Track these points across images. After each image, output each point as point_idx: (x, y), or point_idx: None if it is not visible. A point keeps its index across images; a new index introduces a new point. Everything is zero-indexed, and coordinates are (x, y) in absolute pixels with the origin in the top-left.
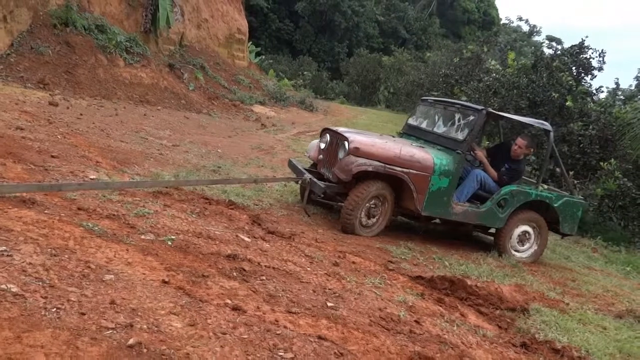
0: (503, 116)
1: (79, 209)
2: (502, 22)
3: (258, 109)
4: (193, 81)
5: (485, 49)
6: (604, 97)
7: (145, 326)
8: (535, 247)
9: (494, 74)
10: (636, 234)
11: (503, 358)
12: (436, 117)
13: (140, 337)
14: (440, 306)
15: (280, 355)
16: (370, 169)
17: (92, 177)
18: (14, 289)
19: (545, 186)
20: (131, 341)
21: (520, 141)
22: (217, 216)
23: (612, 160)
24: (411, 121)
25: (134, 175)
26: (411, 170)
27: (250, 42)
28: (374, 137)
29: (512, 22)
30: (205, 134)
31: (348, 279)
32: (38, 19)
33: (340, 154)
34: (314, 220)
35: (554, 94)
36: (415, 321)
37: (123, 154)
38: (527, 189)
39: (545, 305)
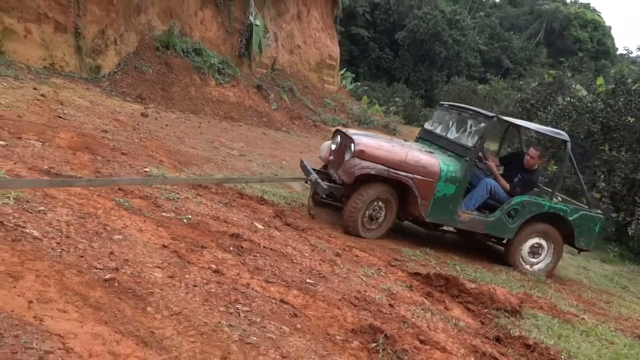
0: (517, 125)
1: (119, 189)
2: (618, 52)
3: None
4: (278, 101)
5: (569, 74)
6: None
7: (129, 272)
8: (547, 261)
9: (568, 98)
10: None
11: (463, 343)
12: (450, 123)
13: (120, 277)
14: (426, 298)
15: (237, 308)
16: (373, 172)
17: (146, 169)
18: (36, 234)
19: (560, 198)
20: (108, 276)
21: (532, 151)
22: (242, 207)
23: None
24: (427, 126)
25: (189, 174)
26: (416, 176)
27: (345, 69)
28: (382, 140)
29: (631, 53)
30: (278, 149)
31: (341, 266)
32: (144, 42)
33: (347, 156)
34: (337, 221)
35: (629, 119)
36: (389, 305)
37: (188, 157)
38: (540, 200)
39: (549, 314)
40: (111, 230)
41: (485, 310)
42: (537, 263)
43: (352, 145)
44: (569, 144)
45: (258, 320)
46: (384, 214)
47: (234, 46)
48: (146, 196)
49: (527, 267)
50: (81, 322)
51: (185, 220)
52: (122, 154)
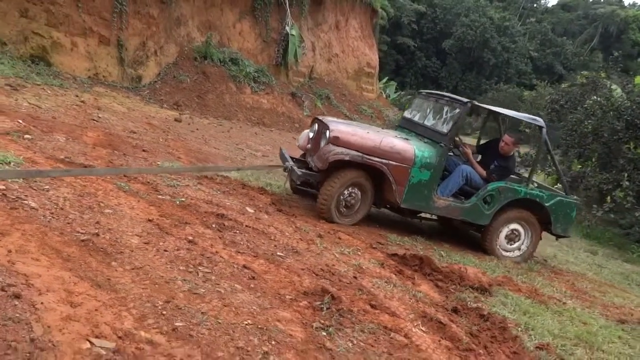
0: (494, 111)
1: (124, 175)
2: None
3: None
4: (312, 108)
5: (603, 75)
6: None
7: (107, 237)
8: (525, 247)
9: (595, 97)
10: None
11: (415, 310)
12: (428, 110)
13: (97, 240)
14: (396, 275)
15: (198, 269)
16: (347, 158)
17: (158, 163)
18: (33, 205)
19: (536, 184)
20: (84, 237)
21: (507, 138)
22: (240, 195)
23: None
24: (406, 114)
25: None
26: (390, 162)
27: (387, 78)
28: (357, 127)
29: None
30: None
31: (319, 245)
32: (183, 53)
33: (322, 143)
34: None
35: None
36: (353, 277)
37: (206, 155)
38: (515, 186)
39: (524, 295)
40: (104, 207)
41: (454, 287)
42: (515, 249)
43: (327, 131)
44: (544, 130)
45: (214, 278)
46: (359, 200)
47: (271, 56)
48: (148, 182)
49: (505, 253)
50: (48, 268)
51: (177, 202)
52: (143, 150)
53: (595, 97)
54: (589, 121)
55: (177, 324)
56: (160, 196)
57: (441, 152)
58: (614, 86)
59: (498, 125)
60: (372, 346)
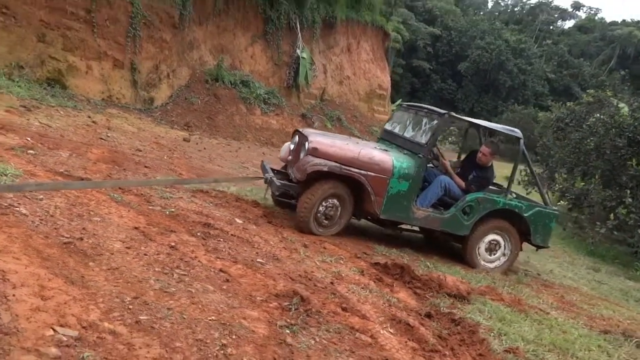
0: (473, 123)
1: (120, 188)
2: None
3: None
4: (322, 129)
5: (610, 93)
6: None
7: (90, 241)
8: (505, 258)
9: (598, 115)
10: None
11: (386, 314)
12: (407, 122)
13: (79, 243)
14: (374, 282)
15: (175, 272)
16: (325, 169)
17: (157, 178)
18: (24, 211)
19: (514, 194)
20: (66, 240)
21: (484, 149)
22: (232, 208)
23: None
24: (387, 126)
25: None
26: (369, 172)
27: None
28: (336, 139)
29: None
30: None
31: (301, 253)
32: (195, 75)
33: (302, 154)
34: None
35: None
36: (330, 282)
37: (208, 172)
38: (494, 196)
39: (505, 304)
40: (93, 215)
41: (431, 294)
42: (495, 260)
43: (307, 143)
44: (522, 141)
45: (187, 279)
46: (338, 211)
47: (282, 78)
48: (142, 194)
49: (485, 264)
50: (27, 266)
51: (167, 212)
52: (145, 166)
53: (598, 115)
54: (592, 139)
55: (141, 317)
56: (151, 207)
57: (420, 163)
58: (621, 104)
59: (478, 137)
60: (335, 344)
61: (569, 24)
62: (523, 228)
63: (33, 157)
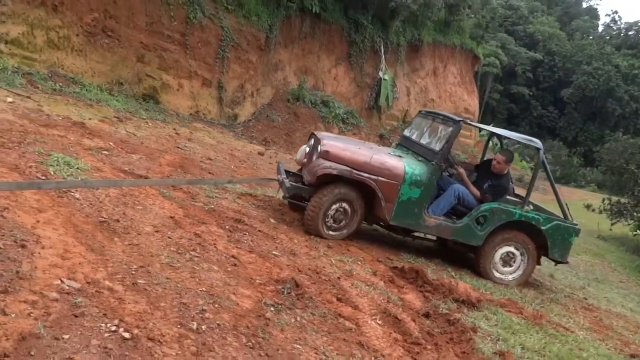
0: (487, 130)
1: (172, 186)
2: None
3: None
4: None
5: None
6: None
7: (126, 223)
8: (520, 271)
9: None
10: None
11: (380, 308)
12: (425, 129)
13: (113, 223)
14: (385, 283)
15: (189, 253)
16: (335, 172)
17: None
18: (78, 196)
19: (532, 206)
20: (103, 219)
21: (498, 157)
22: (272, 210)
23: None
24: (406, 132)
25: (257, 190)
26: (380, 178)
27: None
28: (350, 143)
29: None
30: None
31: (321, 252)
32: (277, 95)
33: (314, 157)
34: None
35: None
36: (337, 278)
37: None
38: (510, 207)
39: (522, 317)
40: (137, 203)
41: (439, 297)
42: (510, 273)
43: (319, 146)
44: (541, 151)
45: (197, 260)
46: (348, 216)
47: (363, 99)
48: (189, 192)
49: (500, 276)
50: (60, 235)
51: (206, 208)
52: (209, 173)
53: None
54: None
55: (139, 281)
56: (194, 203)
57: (432, 170)
58: None
59: (500, 145)
60: (314, 324)
61: None
62: (541, 241)
63: (105, 157)
